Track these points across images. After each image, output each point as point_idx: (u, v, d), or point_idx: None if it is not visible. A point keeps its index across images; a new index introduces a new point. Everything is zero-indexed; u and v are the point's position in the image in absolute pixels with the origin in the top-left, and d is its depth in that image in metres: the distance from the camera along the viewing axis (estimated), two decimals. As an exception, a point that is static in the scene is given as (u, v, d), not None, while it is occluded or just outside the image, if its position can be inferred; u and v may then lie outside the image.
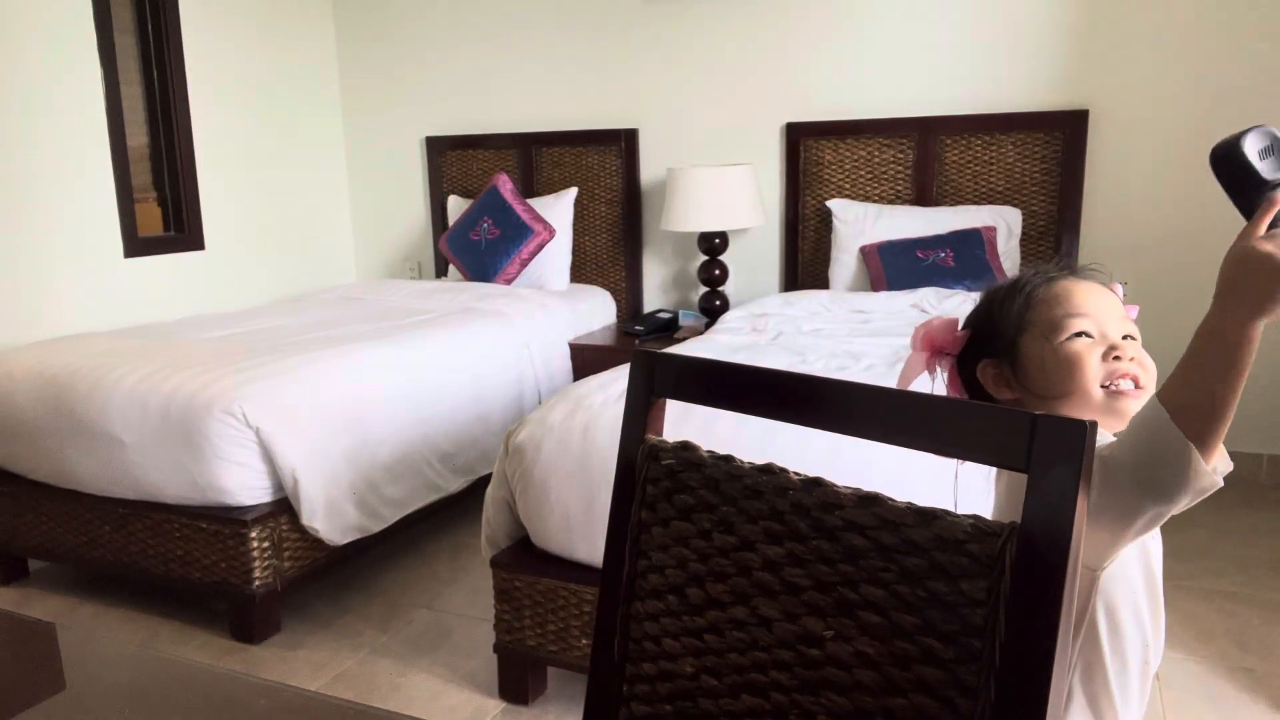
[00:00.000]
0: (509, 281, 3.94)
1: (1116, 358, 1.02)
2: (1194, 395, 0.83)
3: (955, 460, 1.02)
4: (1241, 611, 2.45)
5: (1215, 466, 0.84)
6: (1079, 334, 1.03)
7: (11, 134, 3.25)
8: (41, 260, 3.36)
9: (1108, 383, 1.02)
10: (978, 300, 1.18)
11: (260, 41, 4.15)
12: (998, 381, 1.10)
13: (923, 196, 3.51)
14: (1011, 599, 0.67)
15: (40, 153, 3.34)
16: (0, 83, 3.22)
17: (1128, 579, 1.02)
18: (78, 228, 3.47)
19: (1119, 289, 1.12)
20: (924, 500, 0.75)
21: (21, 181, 3.29)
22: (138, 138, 3.73)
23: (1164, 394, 0.85)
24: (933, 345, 1.13)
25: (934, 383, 1.15)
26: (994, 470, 1.12)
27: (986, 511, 0.92)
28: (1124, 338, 1.04)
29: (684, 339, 3.37)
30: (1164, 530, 1.05)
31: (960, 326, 1.14)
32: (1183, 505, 0.86)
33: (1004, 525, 0.69)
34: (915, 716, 0.71)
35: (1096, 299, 1.06)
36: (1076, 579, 0.65)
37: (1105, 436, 1.04)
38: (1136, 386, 1.02)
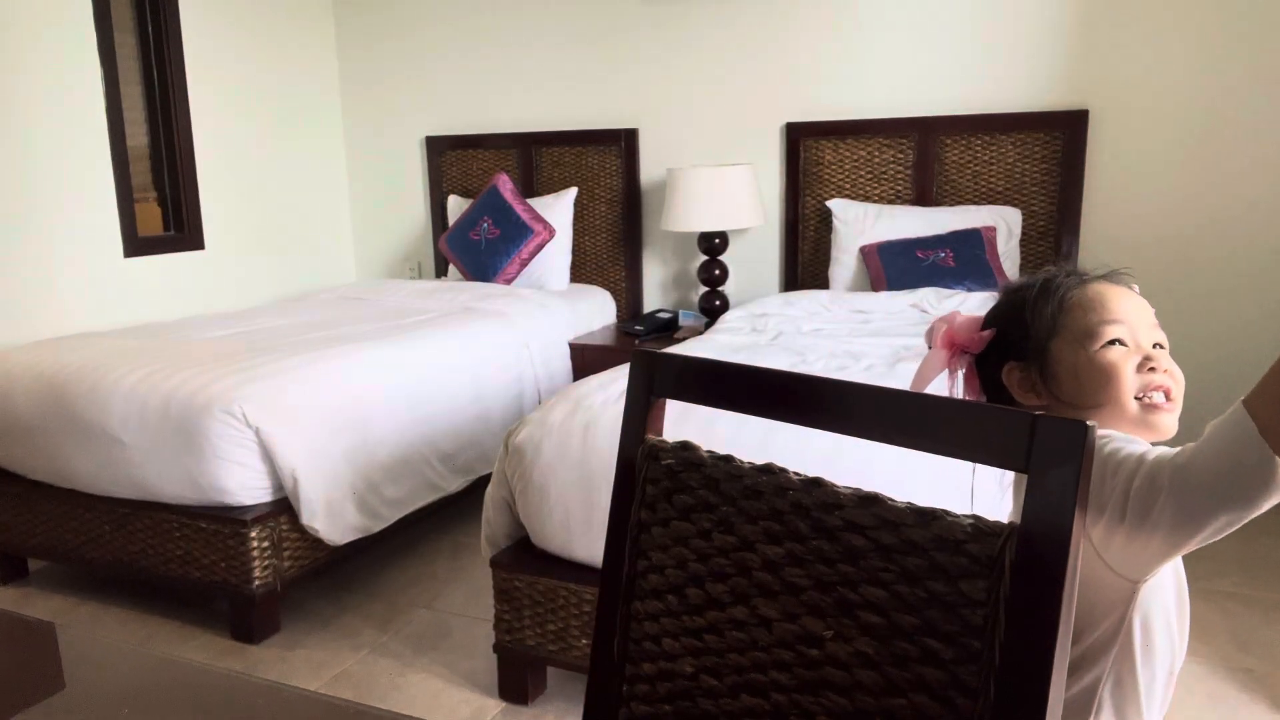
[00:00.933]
0: (509, 281, 3.94)
1: (1151, 369, 1.00)
2: None
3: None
4: (1241, 611, 2.45)
5: None
6: (1113, 341, 1.01)
7: (12, 134, 3.25)
8: (42, 260, 3.36)
9: (1142, 395, 1.00)
10: (999, 298, 1.14)
11: (260, 41, 4.15)
12: (1024, 386, 1.07)
13: (923, 196, 3.51)
14: (1011, 599, 0.67)
15: (40, 152, 3.34)
16: (0, 83, 3.22)
17: (1162, 590, 1.00)
18: (78, 228, 3.47)
19: (1136, 289, 1.11)
20: (925, 500, 0.75)
21: (21, 181, 3.29)
22: (138, 138, 3.73)
23: (1251, 404, 0.81)
24: (954, 344, 1.11)
25: (953, 383, 1.12)
26: (1008, 474, 1.11)
27: (999, 514, 0.91)
28: (1154, 346, 1.02)
29: (684, 339, 3.37)
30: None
31: (982, 326, 1.11)
32: (1262, 510, 0.82)
33: (1004, 525, 0.69)
34: (915, 716, 0.71)
35: (1130, 305, 1.04)
36: (1076, 578, 0.65)
37: (1142, 445, 1.03)
38: (1168, 399, 1.01)
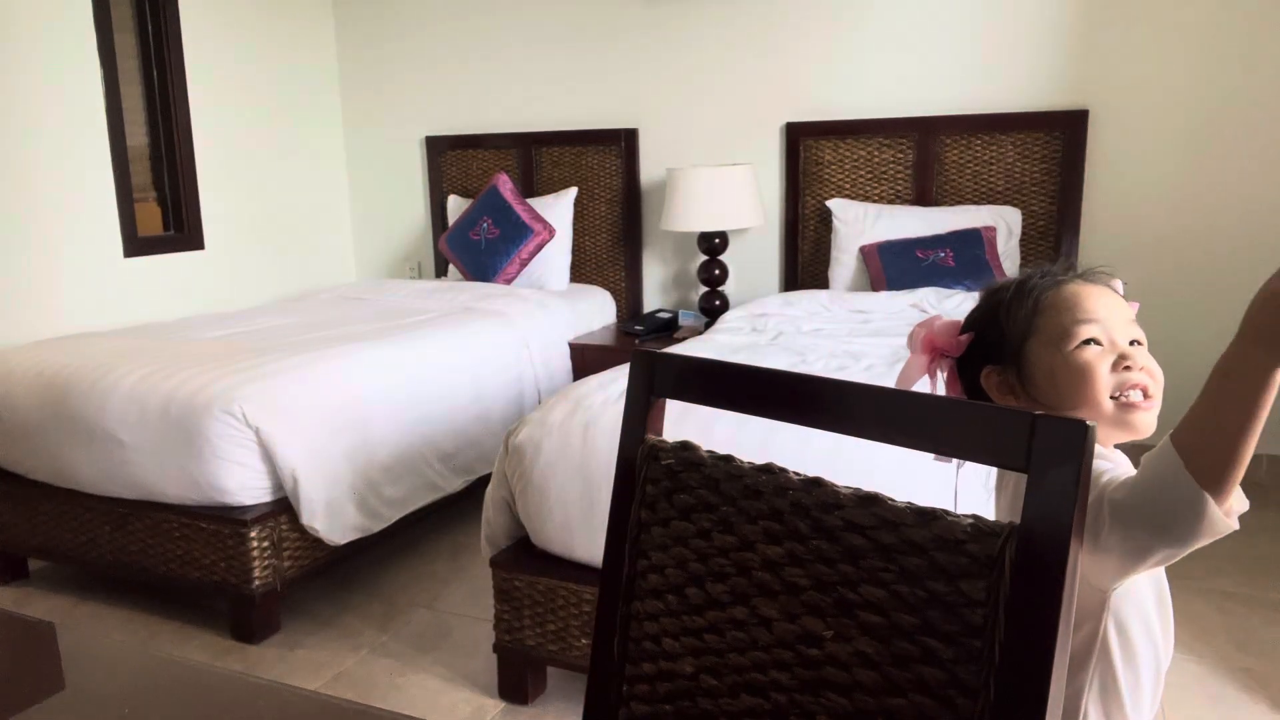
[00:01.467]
0: (509, 281, 3.94)
1: (1127, 367, 0.99)
2: (1209, 440, 0.79)
3: (955, 461, 1.01)
4: (1241, 611, 2.45)
5: (1230, 507, 0.81)
6: (1088, 341, 1.00)
7: (12, 134, 3.25)
8: (41, 260, 3.36)
9: (1118, 394, 0.99)
10: (978, 300, 1.14)
11: (260, 41, 4.15)
12: (1003, 389, 1.07)
13: (923, 196, 3.51)
14: (1011, 599, 0.67)
15: (40, 153, 3.34)
16: (0, 83, 3.22)
17: (1138, 596, 1.00)
18: (78, 228, 3.47)
19: (1118, 285, 1.10)
20: (925, 501, 0.75)
21: (22, 181, 3.29)
22: (138, 138, 3.73)
23: (1177, 438, 0.81)
24: (934, 348, 1.10)
25: (935, 387, 1.12)
26: (993, 477, 1.11)
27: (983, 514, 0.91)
28: (1131, 343, 1.01)
29: (684, 339, 3.37)
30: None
31: (961, 329, 1.11)
32: (1197, 546, 0.83)
33: (1004, 525, 0.69)
34: (915, 716, 0.71)
35: (1105, 303, 1.02)
36: (1076, 579, 0.65)
37: (1117, 457, 1.02)
38: (1145, 396, 1.00)
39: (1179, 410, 0.85)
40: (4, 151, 3.24)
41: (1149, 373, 1.00)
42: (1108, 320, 1.01)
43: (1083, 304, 1.02)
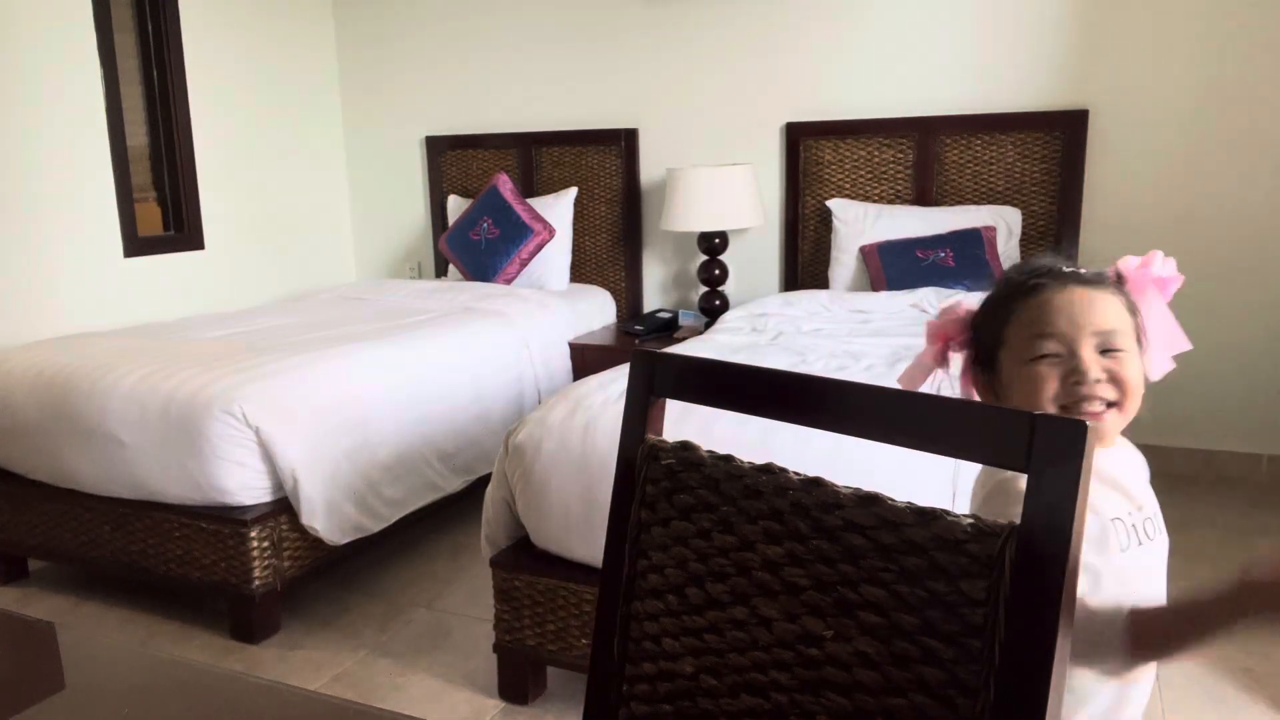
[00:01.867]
0: (509, 281, 3.94)
1: (1076, 383, 0.96)
2: (1161, 647, 0.92)
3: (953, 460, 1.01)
4: (1241, 611, 2.45)
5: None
6: (1046, 355, 0.98)
7: (12, 134, 3.25)
8: (41, 260, 3.36)
9: (1070, 404, 0.97)
10: (990, 292, 1.12)
11: (260, 41, 4.15)
12: (984, 393, 1.07)
13: (923, 196, 3.51)
14: (1011, 599, 0.67)
15: (40, 153, 3.34)
16: (0, 82, 3.22)
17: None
18: (78, 228, 3.47)
19: (1162, 263, 1.09)
20: (924, 501, 0.75)
21: (22, 181, 3.29)
22: (138, 138, 3.73)
23: (1135, 625, 0.90)
24: (944, 337, 1.11)
25: (938, 383, 1.12)
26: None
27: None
28: (1106, 351, 0.98)
29: (684, 339, 3.37)
30: (1167, 529, 1.05)
31: (972, 320, 1.11)
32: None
33: (1004, 525, 0.69)
34: (915, 716, 0.71)
35: (1074, 313, 0.98)
36: (1077, 578, 0.65)
37: (1127, 450, 1.02)
38: (1111, 406, 0.97)
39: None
40: (4, 151, 3.24)
41: (1119, 380, 0.97)
42: (1068, 333, 0.98)
43: (1046, 316, 0.99)
